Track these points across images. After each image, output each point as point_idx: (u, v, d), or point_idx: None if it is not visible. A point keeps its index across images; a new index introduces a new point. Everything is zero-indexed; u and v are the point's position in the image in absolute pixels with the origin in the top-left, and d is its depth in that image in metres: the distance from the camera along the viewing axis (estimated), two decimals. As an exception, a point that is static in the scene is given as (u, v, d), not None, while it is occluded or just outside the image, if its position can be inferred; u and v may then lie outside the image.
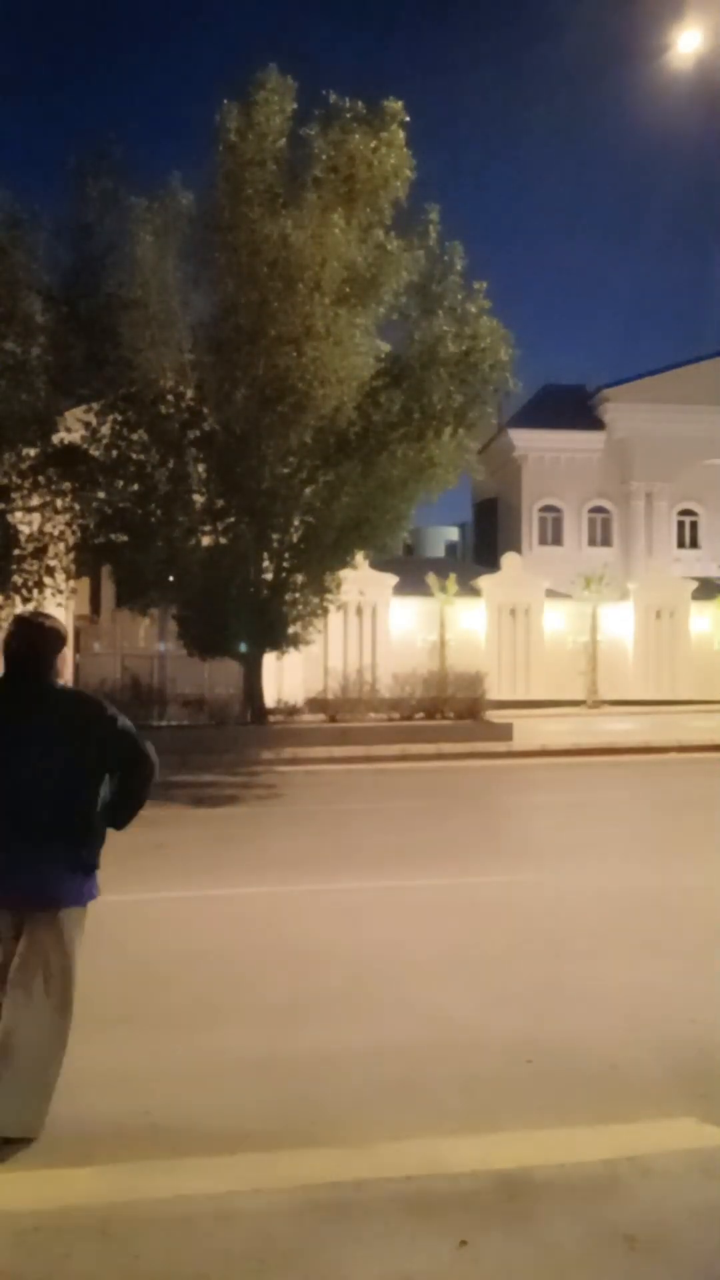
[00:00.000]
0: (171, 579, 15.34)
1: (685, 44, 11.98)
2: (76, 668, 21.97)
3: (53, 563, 15.51)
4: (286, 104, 13.86)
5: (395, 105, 13.96)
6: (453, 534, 42.76)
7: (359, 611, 24.98)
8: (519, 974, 4.91)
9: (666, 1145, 3.14)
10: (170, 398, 14.73)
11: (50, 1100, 3.16)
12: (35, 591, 15.47)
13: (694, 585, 28.60)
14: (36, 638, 3.32)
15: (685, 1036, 4.02)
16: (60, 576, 15.68)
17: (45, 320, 14.36)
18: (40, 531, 15.52)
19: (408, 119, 14.03)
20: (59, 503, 15.24)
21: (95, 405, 14.98)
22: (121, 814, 3.35)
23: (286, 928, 5.82)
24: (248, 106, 13.77)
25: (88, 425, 14.90)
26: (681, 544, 35.98)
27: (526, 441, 35.06)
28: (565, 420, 35.29)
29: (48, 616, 3.51)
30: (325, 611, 17.41)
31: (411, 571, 26.04)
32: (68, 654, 3.96)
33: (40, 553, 15.41)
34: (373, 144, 13.76)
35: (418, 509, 17.14)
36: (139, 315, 13.60)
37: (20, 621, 3.42)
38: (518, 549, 32.02)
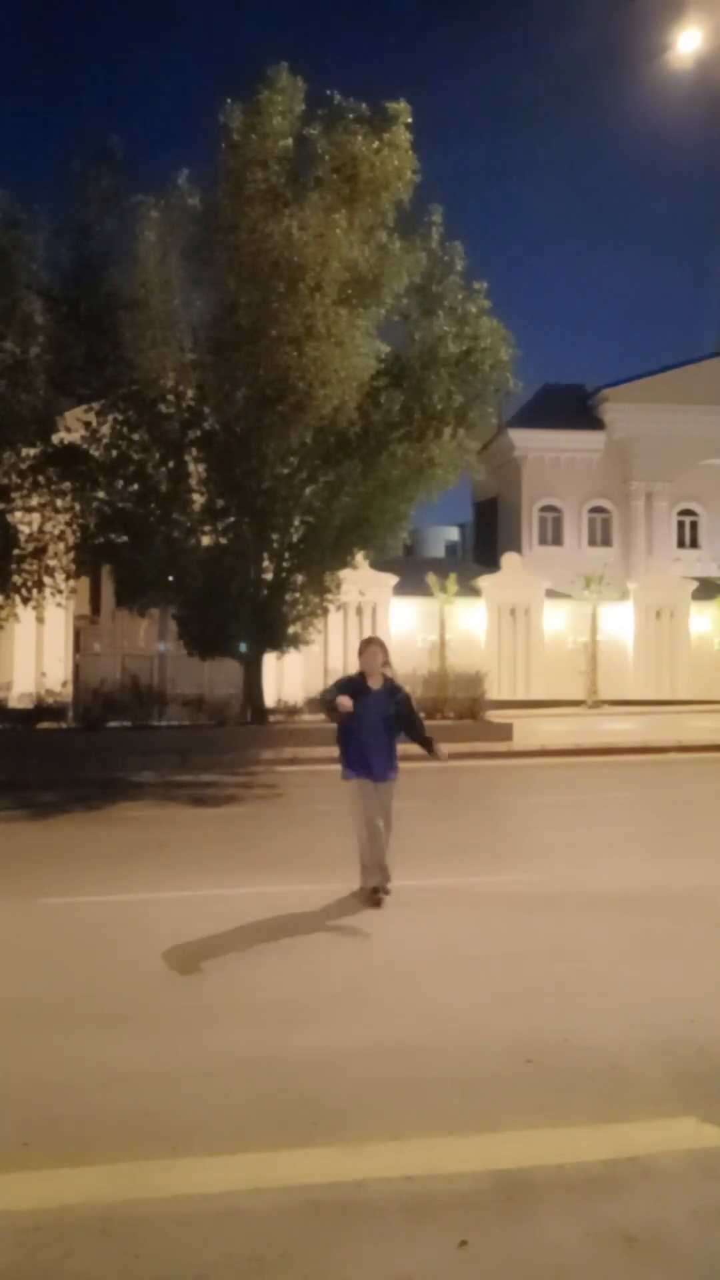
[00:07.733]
0: (171, 579, 15.32)
1: (685, 44, 11.98)
2: (76, 668, 21.94)
3: (53, 563, 15.50)
4: (295, 104, 13.81)
5: (399, 107, 13.92)
6: (453, 534, 42.73)
7: (359, 611, 24.99)
8: (519, 974, 4.91)
9: (666, 1145, 3.14)
10: (170, 398, 14.71)
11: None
12: (35, 591, 15.46)
13: (694, 585, 28.62)
14: (376, 649, 6.52)
15: (685, 1037, 4.02)
16: (60, 576, 15.67)
17: (45, 320, 14.33)
18: (40, 531, 15.51)
19: (411, 120, 14.01)
20: (59, 503, 15.23)
21: (95, 405, 14.98)
22: (413, 738, 6.55)
23: (286, 927, 5.82)
24: (253, 106, 13.73)
25: (88, 425, 14.89)
26: (681, 544, 36.02)
27: (526, 441, 35.07)
28: (565, 420, 35.31)
29: (377, 639, 6.63)
30: (325, 611, 17.40)
31: (411, 571, 26.05)
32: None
33: (40, 553, 15.40)
34: (375, 145, 13.73)
35: (418, 509, 17.15)
36: (140, 315, 13.56)
37: (366, 640, 6.58)
38: (518, 549, 32.05)
